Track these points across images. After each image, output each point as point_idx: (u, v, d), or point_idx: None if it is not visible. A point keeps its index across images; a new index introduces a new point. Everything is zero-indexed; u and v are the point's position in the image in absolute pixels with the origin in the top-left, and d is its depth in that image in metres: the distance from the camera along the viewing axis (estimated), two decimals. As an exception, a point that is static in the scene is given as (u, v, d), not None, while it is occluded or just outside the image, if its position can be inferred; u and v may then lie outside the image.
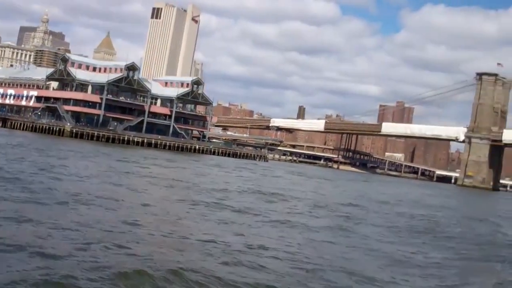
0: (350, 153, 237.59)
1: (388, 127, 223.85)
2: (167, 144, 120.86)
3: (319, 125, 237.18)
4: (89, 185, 29.89)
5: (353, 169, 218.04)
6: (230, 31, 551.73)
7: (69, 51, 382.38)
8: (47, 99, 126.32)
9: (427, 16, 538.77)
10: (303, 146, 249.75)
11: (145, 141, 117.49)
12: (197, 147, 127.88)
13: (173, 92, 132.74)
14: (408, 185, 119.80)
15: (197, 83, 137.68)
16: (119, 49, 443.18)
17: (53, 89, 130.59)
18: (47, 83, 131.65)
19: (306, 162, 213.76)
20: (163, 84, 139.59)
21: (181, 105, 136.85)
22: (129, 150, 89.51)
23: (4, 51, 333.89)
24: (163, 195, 31.13)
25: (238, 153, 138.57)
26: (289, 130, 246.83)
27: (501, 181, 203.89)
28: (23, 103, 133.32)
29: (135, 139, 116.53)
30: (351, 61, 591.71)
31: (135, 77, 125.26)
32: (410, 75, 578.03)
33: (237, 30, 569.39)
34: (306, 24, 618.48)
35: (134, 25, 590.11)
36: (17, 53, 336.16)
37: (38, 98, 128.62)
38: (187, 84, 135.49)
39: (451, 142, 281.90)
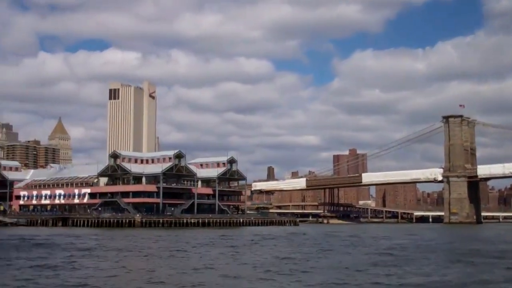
0: (334, 207, 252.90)
1: (368, 177, 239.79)
2: (217, 221, 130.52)
3: (301, 183, 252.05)
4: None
5: (341, 221, 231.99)
6: (166, 99, 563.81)
7: (38, 143, 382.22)
8: (102, 194, 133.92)
9: (357, 62, 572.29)
10: (289, 205, 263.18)
11: (200, 221, 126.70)
12: (241, 220, 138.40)
13: (213, 172, 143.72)
14: (418, 229, 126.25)
15: (232, 161, 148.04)
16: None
17: (105, 184, 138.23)
18: (95, 180, 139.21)
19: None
20: (198, 166, 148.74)
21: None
22: (212, 231, 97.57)
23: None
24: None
25: (274, 221, 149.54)
26: (269, 192, 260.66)
27: (482, 213, 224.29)
28: (76, 201, 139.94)
29: (191, 221, 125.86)
30: (288, 114, 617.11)
31: (183, 164, 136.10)
32: (346, 121, 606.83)
33: (172, 97, 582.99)
34: (241, 84, 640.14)
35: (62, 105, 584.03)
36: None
37: (92, 195, 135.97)
38: (223, 163, 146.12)
39: (417, 184, 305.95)
